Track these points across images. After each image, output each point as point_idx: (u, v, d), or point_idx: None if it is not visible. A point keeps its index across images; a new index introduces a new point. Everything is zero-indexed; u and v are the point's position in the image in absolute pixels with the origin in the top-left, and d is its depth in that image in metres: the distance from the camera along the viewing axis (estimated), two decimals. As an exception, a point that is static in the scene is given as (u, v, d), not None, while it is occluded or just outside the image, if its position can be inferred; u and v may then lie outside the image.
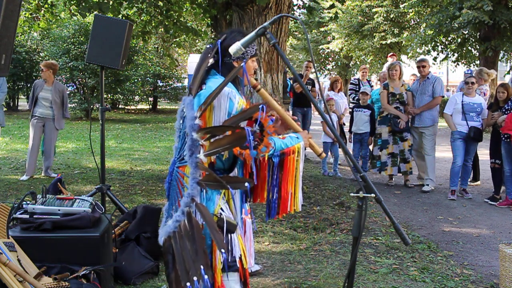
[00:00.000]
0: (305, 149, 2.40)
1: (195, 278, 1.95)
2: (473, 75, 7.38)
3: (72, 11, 7.22)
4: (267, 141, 2.15)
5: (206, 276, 1.96)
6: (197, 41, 21.70)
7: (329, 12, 8.60)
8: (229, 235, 2.20)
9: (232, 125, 2.07)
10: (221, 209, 2.22)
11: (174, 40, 10.30)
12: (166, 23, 8.35)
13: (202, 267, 1.96)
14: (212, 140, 2.08)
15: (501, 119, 5.95)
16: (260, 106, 2.08)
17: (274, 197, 2.37)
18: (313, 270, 3.77)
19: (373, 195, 1.84)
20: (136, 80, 19.64)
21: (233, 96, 2.20)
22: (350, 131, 8.01)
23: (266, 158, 2.26)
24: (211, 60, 2.32)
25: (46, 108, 7.06)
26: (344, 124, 8.67)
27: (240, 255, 2.26)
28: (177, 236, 2.07)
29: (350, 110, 8.32)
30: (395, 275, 3.71)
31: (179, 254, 2.02)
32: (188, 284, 1.96)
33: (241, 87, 2.38)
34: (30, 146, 7.04)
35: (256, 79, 2.47)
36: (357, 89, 8.60)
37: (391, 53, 10.40)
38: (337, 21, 21.10)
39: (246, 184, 2.04)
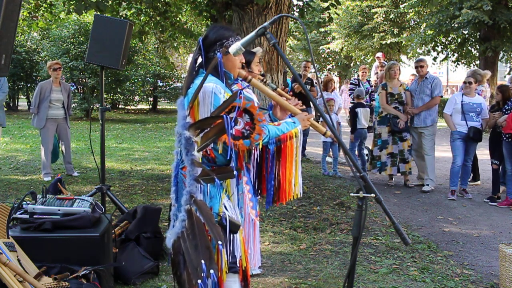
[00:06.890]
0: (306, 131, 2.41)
1: (203, 274, 1.92)
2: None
3: (70, 9, 7.19)
4: (259, 129, 2.15)
5: (211, 271, 1.92)
6: (197, 41, 21.68)
7: (329, 13, 8.57)
8: (231, 235, 2.19)
9: (213, 116, 2.08)
10: (225, 207, 2.22)
11: (172, 41, 10.27)
12: (163, 24, 8.35)
13: (203, 262, 1.94)
14: (201, 135, 2.10)
15: (502, 119, 5.96)
16: (238, 93, 2.08)
17: (271, 185, 2.37)
18: (313, 270, 3.77)
19: (373, 195, 1.84)
20: (136, 80, 19.61)
21: (218, 91, 2.19)
22: (352, 132, 8.01)
23: (260, 146, 2.25)
24: (199, 59, 2.31)
25: (58, 109, 7.08)
26: (339, 124, 8.68)
27: (241, 256, 2.26)
28: (185, 235, 2.05)
29: (350, 109, 8.33)
30: (395, 275, 3.71)
31: (188, 252, 2.00)
32: (199, 281, 1.93)
33: (229, 82, 2.36)
34: (45, 149, 6.99)
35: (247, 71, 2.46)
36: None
37: (379, 53, 10.48)
38: (333, 21, 21.08)
39: (235, 172, 2.08)
